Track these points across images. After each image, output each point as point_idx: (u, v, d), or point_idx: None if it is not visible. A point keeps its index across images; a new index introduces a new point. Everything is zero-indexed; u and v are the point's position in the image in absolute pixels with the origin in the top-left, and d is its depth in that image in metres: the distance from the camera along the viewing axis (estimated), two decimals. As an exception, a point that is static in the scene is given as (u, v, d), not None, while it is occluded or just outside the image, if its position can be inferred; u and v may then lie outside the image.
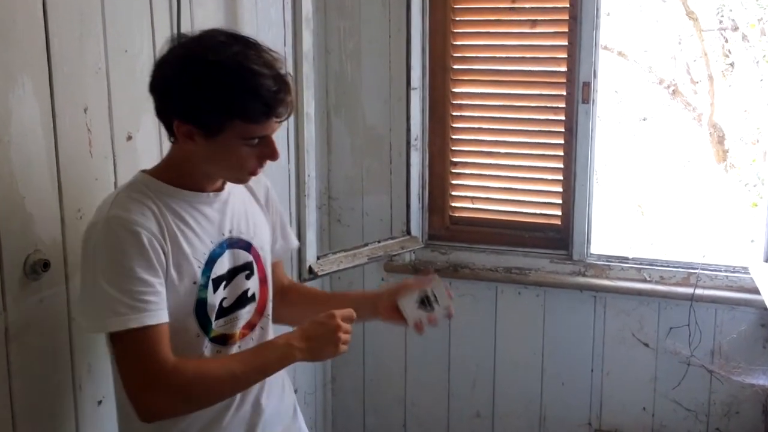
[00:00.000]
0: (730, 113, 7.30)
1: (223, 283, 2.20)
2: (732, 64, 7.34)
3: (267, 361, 2.13)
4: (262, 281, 2.34)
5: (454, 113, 3.88)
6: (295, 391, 2.67)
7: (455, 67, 3.84)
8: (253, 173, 2.15)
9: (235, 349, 2.24)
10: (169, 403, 2.02)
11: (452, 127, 3.90)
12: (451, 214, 3.98)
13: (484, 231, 3.92)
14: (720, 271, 3.64)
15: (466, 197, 3.95)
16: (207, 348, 2.19)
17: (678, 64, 7.57)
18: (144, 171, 2.18)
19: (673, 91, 7.55)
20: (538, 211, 3.85)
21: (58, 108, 2.32)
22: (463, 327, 3.97)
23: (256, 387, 2.27)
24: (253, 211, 2.34)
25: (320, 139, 3.88)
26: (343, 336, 2.15)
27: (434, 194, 3.96)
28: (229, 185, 2.25)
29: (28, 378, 2.28)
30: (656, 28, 7.32)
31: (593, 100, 3.62)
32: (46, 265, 2.28)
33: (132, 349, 1.99)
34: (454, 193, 3.96)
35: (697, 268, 3.64)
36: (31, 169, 2.26)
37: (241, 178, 2.19)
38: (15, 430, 2.24)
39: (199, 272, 2.12)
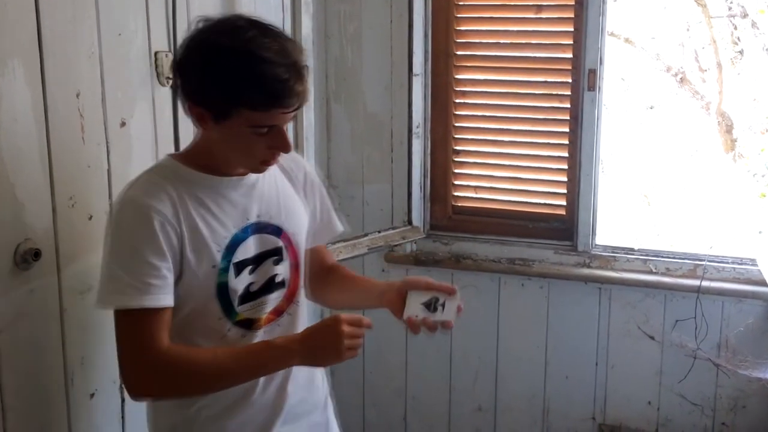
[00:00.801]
0: (738, 102, 7.27)
1: (249, 267, 2.20)
2: (741, 52, 7.30)
3: (261, 361, 2.13)
4: (294, 267, 2.32)
5: (456, 100, 3.86)
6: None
7: (458, 53, 3.82)
8: (267, 163, 2.14)
9: (260, 334, 2.24)
10: (153, 384, 2.07)
11: (455, 114, 3.87)
12: (453, 203, 3.96)
13: (487, 221, 3.90)
14: (727, 262, 3.62)
15: (468, 186, 3.93)
16: (231, 331, 2.19)
17: (686, 52, 7.53)
18: (172, 155, 2.22)
19: (680, 79, 7.52)
20: (542, 200, 3.83)
21: (49, 93, 2.30)
22: (465, 319, 3.91)
23: (281, 373, 2.24)
24: (287, 195, 2.32)
25: (320, 126, 3.86)
26: (348, 342, 2.10)
27: (436, 183, 3.94)
28: None
29: (18, 370, 2.27)
30: (664, 14, 7.29)
31: (599, 88, 3.60)
32: (37, 254, 2.27)
33: (129, 328, 2.04)
34: (456, 182, 3.94)
35: (703, 260, 3.63)
36: (22, 155, 2.24)
37: (255, 167, 2.16)
38: (5, 423, 2.23)
39: (218, 256, 2.13)
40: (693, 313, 3.60)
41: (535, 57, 3.73)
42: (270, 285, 2.26)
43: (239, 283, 2.18)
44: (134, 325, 2.03)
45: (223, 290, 2.16)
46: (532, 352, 3.90)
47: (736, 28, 7.28)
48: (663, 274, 3.68)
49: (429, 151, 3.91)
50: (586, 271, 3.76)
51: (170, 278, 2.06)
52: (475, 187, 3.92)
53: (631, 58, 7.43)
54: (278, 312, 2.29)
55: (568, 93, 3.68)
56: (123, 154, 2.61)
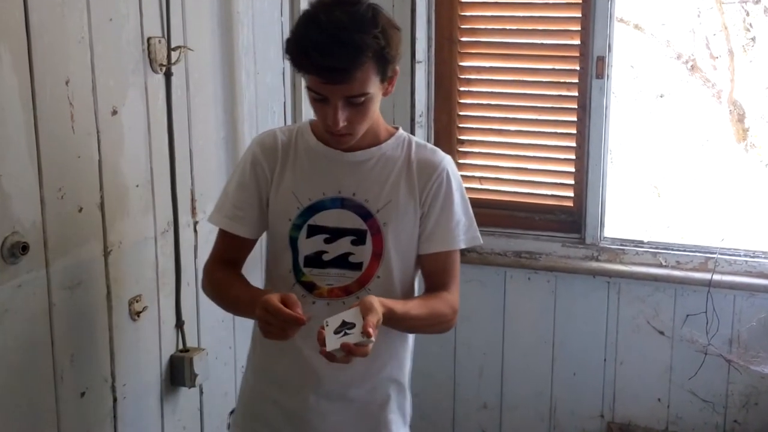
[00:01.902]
0: (751, 90, 7.23)
1: (324, 236, 2.32)
2: (753, 39, 7.26)
3: (246, 305, 2.23)
4: (375, 256, 2.33)
5: (461, 88, 3.84)
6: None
7: (463, 39, 3.79)
8: (332, 134, 2.22)
9: (321, 303, 2.33)
10: (202, 284, 2.48)
11: (459, 103, 3.85)
12: (457, 194, 3.92)
13: (493, 213, 3.87)
14: (739, 255, 3.61)
15: (473, 177, 3.90)
16: (295, 287, 2.34)
17: (697, 38, 7.49)
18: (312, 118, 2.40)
19: (691, 66, 7.48)
20: (549, 192, 3.82)
21: (37, 80, 2.27)
22: (470, 314, 3.93)
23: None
24: (395, 187, 2.33)
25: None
26: (262, 324, 2.13)
27: (440, 174, 3.90)
28: (371, 151, 2.32)
29: (5, 368, 2.25)
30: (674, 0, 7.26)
31: (608, 76, 3.58)
32: (24, 248, 2.24)
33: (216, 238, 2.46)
34: (460, 173, 3.87)
35: (715, 253, 3.62)
36: (9, 145, 2.21)
37: (330, 136, 2.24)
38: (-9, 423, 2.21)
39: (295, 212, 2.32)
40: (704, 308, 3.58)
41: (542, 44, 3.70)
42: (342, 261, 2.33)
43: (309, 244, 2.32)
44: (216, 239, 2.45)
45: (293, 244, 2.33)
46: (539, 348, 3.88)
47: (748, 14, 7.24)
48: (673, 268, 3.66)
49: (432, 140, 3.88)
50: (594, 264, 3.74)
51: (251, 212, 2.37)
52: (480, 178, 3.90)
53: (640, 45, 7.40)
54: (347, 291, 2.33)
55: (576, 81, 3.66)
56: (114, 144, 2.58)
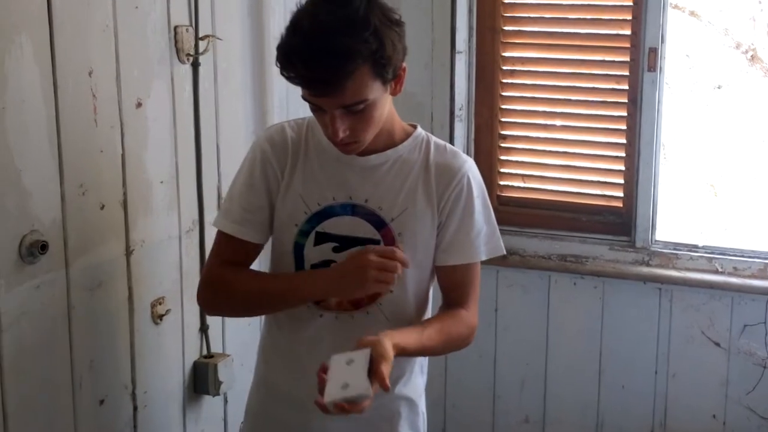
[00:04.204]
0: (815, 82, 7.20)
1: (333, 244, 2.28)
2: (819, 27, 7.23)
3: (293, 287, 2.27)
4: None
5: (503, 80, 3.84)
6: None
7: (506, 28, 3.79)
8: (335, 144, 2.18)
9: (329, 317, 2.30)
10: (201, 296, 2.37)
11: (501, 95, 3.85)
12: (499, 193, 3.93)
13: (536, 213, 3.88)
14: (802, 262, 3.58)
15: (516, 175, 3.91)
16: None
17: (757, 26, 7.46)
18: None
19: (751, 56, 7.44)
20: (597, 191, 3.80)
21: (59, 71, 2.30)
22: (512, 321, 3.94)
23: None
24: (413, 195, 2.29)
25: (353, 107, 3.85)
26: (374, 273, 2.11)
27: (480, 171, 3.89)
28: (386, 154, 2.29)
29: (21, 373, 2.28)
30: (733, -15, 7.23)
31: (660, 68, 3.57)
32: (44, 247, 2.27)
33: (213, 245, 2.37)
34: (502, 170, 3.92)
35: (775, 259, 3.60)
36: (29, 139, 2.24)
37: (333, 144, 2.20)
38: (7, 431, 2.23)
39: (302, 217, 2.27)
40: (763, 318, 3.57)
41: (590, 34, 3.69)
42: None
43: (316, 253, 2.28)
44: (215, 244, 2.36)
45: (298, 252, 2.29)
46: (585, 359, 3.88)
47: (813, 0, 7.21)
48: (730, 274, 3.64)
49: (473, 135, 3.89)
50: (644, 269, 3.72)
51: (261, 215, 2.30)
52: (524, 176, 3.90)
53: (696, 33, 7.37)
54: (356, 305, 2.30)
55: (627, 73, 3.65)
56: (138, 138, 2.61)
